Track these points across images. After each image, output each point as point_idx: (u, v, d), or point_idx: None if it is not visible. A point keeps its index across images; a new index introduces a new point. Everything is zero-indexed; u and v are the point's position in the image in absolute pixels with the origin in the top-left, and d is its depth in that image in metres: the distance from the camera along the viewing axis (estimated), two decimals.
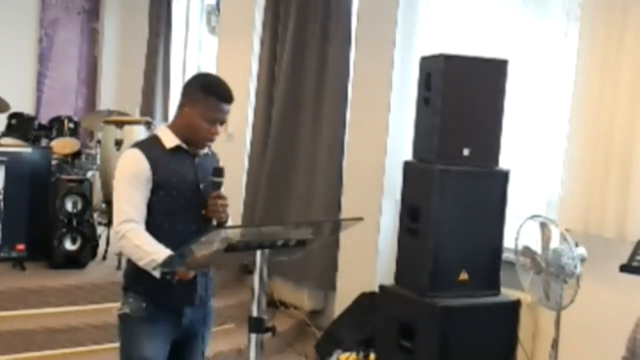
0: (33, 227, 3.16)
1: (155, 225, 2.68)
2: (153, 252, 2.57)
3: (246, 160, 6.20)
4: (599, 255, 3.77)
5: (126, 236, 2.61)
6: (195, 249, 2.42)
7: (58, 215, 5.22)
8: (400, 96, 5.03)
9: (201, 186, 2.76)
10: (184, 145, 2.76)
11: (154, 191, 2.68)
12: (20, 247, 3.10)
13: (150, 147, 2.74)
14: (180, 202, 2.71)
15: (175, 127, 2.78)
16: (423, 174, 4.00)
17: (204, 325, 2.86)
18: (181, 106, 2.78)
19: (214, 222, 2.73)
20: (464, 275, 3.93)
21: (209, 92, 2.72)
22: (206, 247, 2.39)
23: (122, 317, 2.77)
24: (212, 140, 2.78)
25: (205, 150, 2.84)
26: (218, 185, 2.76)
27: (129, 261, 2.77)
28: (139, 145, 2.79)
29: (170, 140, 2.75)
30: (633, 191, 3.76)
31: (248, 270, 5.15)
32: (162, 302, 2.72)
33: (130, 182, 2.66)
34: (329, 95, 5.52)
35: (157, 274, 2.57)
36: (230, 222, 2.82)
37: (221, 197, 2.74)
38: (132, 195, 2.65)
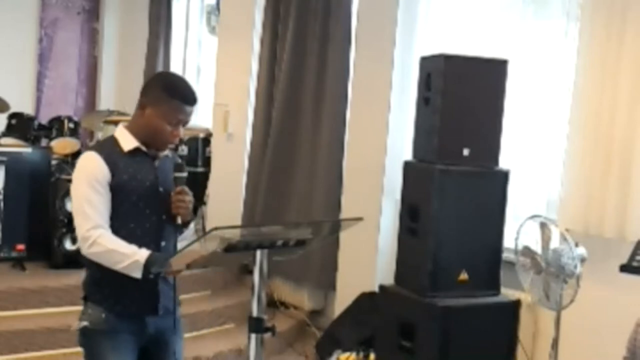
0: (33, 227, 3.16)
1: (113, 230, 2.56)
2: (133, 254, 2.50)
3: (246, 160, 6.19)
4: (599, 255, 3.78)
5: (97, 242, 2.50)
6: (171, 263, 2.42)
7: (58, 215, 5.21)
8: (400, 96, 5.03)
9: (160, 189, 2.65)
10: (143, 148, 2.64)
11: (113, 195, 2.57)
12: (20, 247, 3.09)
13: (108, 149, 2.61)
14: (140, 207, 2.61)
15: (134, 129, 2.65)
16: (423, 174, 4.00)
17: (173, 333, 2.75)
18: (141, 107, 2.63)
19: (179, 220, 2.65)
20: (464, 275, 3.93)
21: (172, 94, 2.59)
22: (185, 256, 2.36)
23: (83, 331, 2.64)
24: (173, 142, 2.67)
25: (166, 152, 2.73)
26: (181, 180, 2.66)
27: (88, 270, 2.67)
28: (97, 148, 2.67)
29: (128, 142, 2.63)
30: (633, 191, 3.77)
31: (248, 270, 5.15)
32: (120, 311, 2.60)
33: (91, 186, 2.53)
34: (329, 95, 5.51)
35: (138, 274, 2.49)
36: (193, 224, 2.74)
37: (184, 192, 2.63)
38: (94, 199, 2.53)
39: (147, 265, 2.49)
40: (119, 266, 2.51)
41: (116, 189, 2.57)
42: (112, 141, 2.66)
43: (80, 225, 2.55)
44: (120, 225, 2.58)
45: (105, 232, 2.54)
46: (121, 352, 2.62)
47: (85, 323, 2.64)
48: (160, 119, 2.59)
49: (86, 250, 2.57)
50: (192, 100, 2.64)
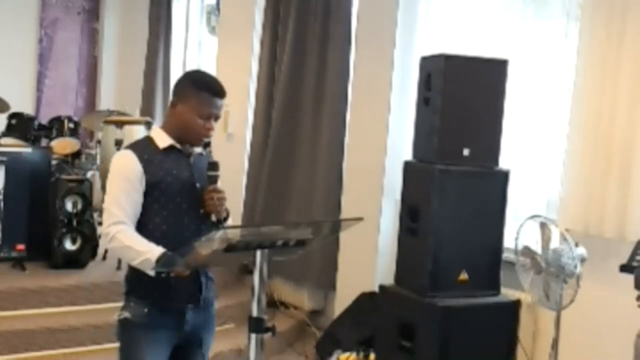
0: (33, 227, 3.15)
1: (154, 226, 2.64)
2: (146, 251, 2.54)
3: (246, 161, 6.20)
4: (599, 255, 3.78)
5: (116, 237, 2.57)
6: (198, 248, 2.41)
7: (58, 215, 5.22)
8: (400, 96, 5.03)
9: (198, 185, 2.70)
10: (178, 145, 2.71)
11: (149, 192, 2.63)
12: (20, 247, 3.09)
13: (143, 148, 2.69)
14: (177, 202, 2.67)
15: (168, 127, 2.74)
16: (423, 174, 4.00)
17: (206, 330, 2.82)
18: (173, 105, 2.73)
19: (213, 218, 2.68)
20: (464, 275, 3.93)
21: (200, 87, 2.67)
22: (207, 246, 2.38)
23: (123, 322, 2.70)
24: (207, 136, 2.73)
25: (200, 149, 2.80)
26: (214, 179, 2.71)
27: (129, 265, 2.71)
28: (132, 146, 2.75)
29: (163, 140, 2.71)
30: (633, 191, 3.77)
31: (248, 270, 5.15)
32: (165, 305, 2.66)
33: (120, 184, 2.62)
34: (329, 96, 5.52)
35: (151, 272, 2.54)
36: (230, 218, 2.78)
37: (217, 191, 2.69)
38: (121, 197, 2.61)
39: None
40: (134, 263, 2.59)
41: (152, 186, 2.64)
42: (148, 140, 2.75)
43: (104, 222, 2.64)
44: (161, 220, 2.65)
45: (125, 228, 2.60)
46: (156, 347, 2.68)
47: (126, 314, 2.69)
48: (191, 114, 2.66)
49: (106, 246, 2.66)
50: (220, 92, 2.70)
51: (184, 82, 2.76)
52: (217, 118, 2.72)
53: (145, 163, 2.64)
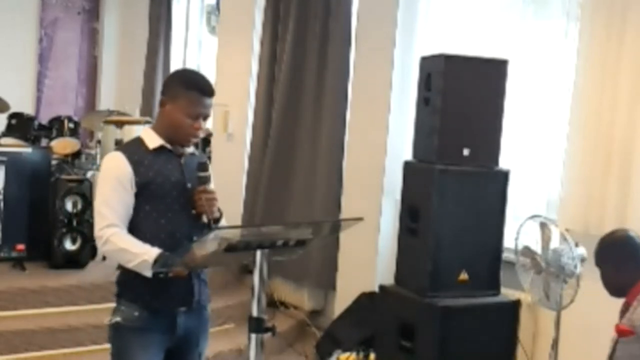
0: (33, 227, 3.17)
1: (146, 227, 2.61)
2: (143, 253, 2.52)
3: (246, 161, 6.19)
4: None
5: (110, 240, 2.55)
6: (194, 249, 2.41)
7: (58, 215, 5.21)
8: (400, 96, 5.03)
9: (189, 185, 2.67)
10: (168, 145, 2.69)
11: (140, 193, 2.61)
12: (20, 247, 3.10)
13: (133, 149, 2.67)
14: (168, 203, 2.64)
15: (157, 127, 2.72)
16: (423, 174, 4.00)
17: (200, 334, 2.79)
18: (162, 104, 2.70)
19: (205, 219, 2.65)
20: (464, 275, 3.93)
21: (189, 86, 2.65)
22: (201, 248, 2.37)
23: (114, 326, 2.67)
24: (196, 136, 2.70)
25: (192, 150, 2.78)
26: (204, 179, 2.68)
27: (121, 268, 2.69)
28: (122, 148, 2.75)
29: (153, 140, 2.68)
30: (633, 191, 3.76)
31: (248, 270, 5.15)
32: (156, 307, 2.63)
33: (111, 185, 2.60)
34: (329, 95, 5.51)
35: (148, 273, 2.52)
36: (224, 219, 2.75)
37: (207, 191, 2.66)
38: (112, 199, 2.59)
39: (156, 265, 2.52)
40: (130, 265, 2.56)
41: (143, 186, 2.61)
42: (138, 141, 2.72)
43: (96, 224, 2.62)
44: (152, 221, 2.63)
45: (118, 230, 2.57)
46: (149, 350, 2.65)
47: (117, 319, 2.66)
48: (180, 113, 2.64)
49: (101, 249, 2.65)
50: (209, 91, 2.68)
51: (173, 81, 2.74)
52: (206, 117, 2.69)
53: (135, 164, 2.61)
